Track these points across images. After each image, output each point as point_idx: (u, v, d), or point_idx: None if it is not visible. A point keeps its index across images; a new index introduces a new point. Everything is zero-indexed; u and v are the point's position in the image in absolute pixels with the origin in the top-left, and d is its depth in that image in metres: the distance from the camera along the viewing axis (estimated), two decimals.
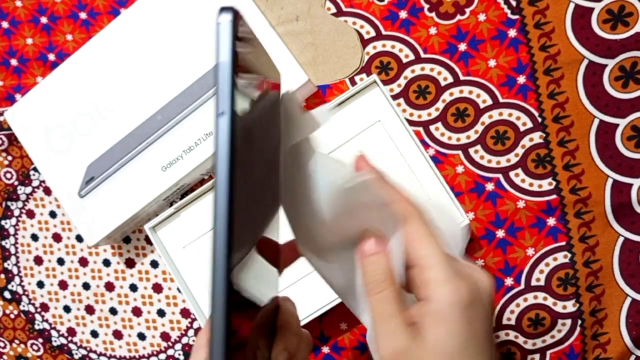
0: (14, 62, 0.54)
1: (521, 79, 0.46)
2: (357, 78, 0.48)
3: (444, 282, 0.23)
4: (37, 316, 0.57)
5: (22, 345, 0.57)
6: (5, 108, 0.54)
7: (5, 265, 0.57)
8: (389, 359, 0.23)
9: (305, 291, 0.46)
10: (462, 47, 0.46)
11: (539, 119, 0.46)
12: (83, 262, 0.55)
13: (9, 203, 0.56)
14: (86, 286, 0.55)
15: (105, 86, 0.48)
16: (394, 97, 0.48)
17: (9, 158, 0.55)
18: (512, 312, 0.47)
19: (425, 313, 0.24)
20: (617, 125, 0.45)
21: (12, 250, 0.56)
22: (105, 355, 0.55)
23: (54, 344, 0.57)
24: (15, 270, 0.57)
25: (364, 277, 0.26)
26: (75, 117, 0.48)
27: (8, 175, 0.56)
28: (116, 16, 0.51)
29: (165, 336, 0.54)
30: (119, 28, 0.48)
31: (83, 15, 0.52)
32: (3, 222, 0.56)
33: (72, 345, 0.56)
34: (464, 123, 0.47)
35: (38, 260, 0.56)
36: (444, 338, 0.23)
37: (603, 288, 0.46)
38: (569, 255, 0.46)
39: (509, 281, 0.47)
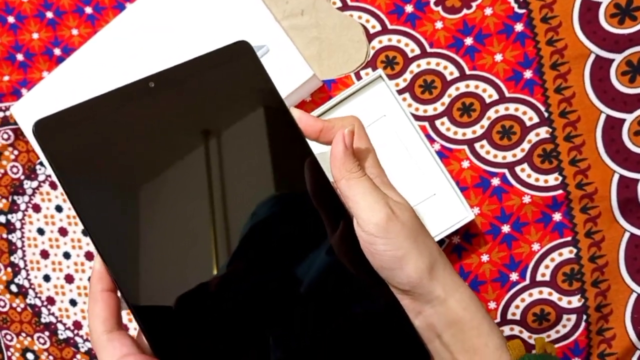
0: (20, 56, 0.54)
1: (528, 74, 0.46)
2: (362, 72, 0.48)
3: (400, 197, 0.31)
4: (44, 309, 0.57)
5: (29, 338, 0.58)
6: (11, 103, 0.54)
7: (12, 259, 0.57)
8: (375, 230, 0.28)
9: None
10: (469, 41, 0.46)
11: (545, 114, 0.46)
12: (89, 255, 0.55)
13: (15, 197, 0.56)
14: None
15: (111, 80, 0.48)
16: (400, 92, 0.48)
17: (16, 152, 0.56)
18: (517, 307, 0.47)
19: (393, 204, 0.29)
20: (624, 120, 0.45)
21: (19, 244, 0.57)
22: None
23: (60, 337, 0.57)
24: (21, 264, 0.57)
25: (345, 164, 0.29)
26: None
27: (14, 170, 0.56)
28: (121, 10, 0.51)
29: None
30: (125, 22, 0.48)
31: (88, 10, 0.52)
32: (9, 217, 0.57)
33: (78, 339, 0.56)
34: (469, 118, 0.47)
35: (44, 254, 0.56)
36: (410, 219, 0.29)
37: (608, 283, 0.46)
38: (575, 250, 0.46)
39: (514, 276, 0.47)
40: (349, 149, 0.29)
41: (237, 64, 0.30)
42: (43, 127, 0.26)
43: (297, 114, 0.31)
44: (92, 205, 0.26)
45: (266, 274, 0.29)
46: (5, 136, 0.55)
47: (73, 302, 0.56)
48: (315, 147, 0.31)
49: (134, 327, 0.55)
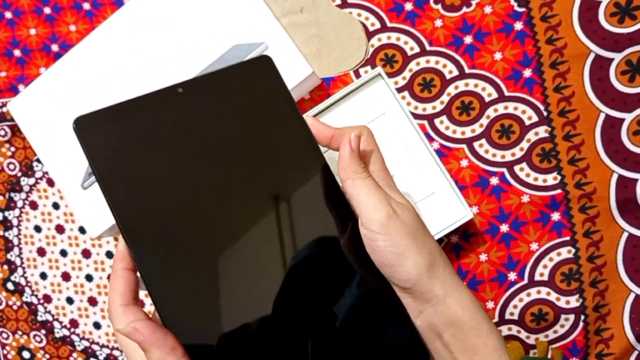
0: (17, 52, 0.54)
1: (527, 73, 0.45)
2: (361, 70, 0.48)
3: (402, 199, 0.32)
4: (40, 307, 0.57)
5: (25, 337, 0.58)
6: (8, 99, 0.54)
7: (8, 256, 0.57)
8: (376, 227, 0.29)
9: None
10: (468, 39, 0.46)
11: (545, 113, 0.46)
12: (86, 253, 0.55)
13: (12, 194, 0.56)
14: (89, 278, 0.55)
15: (108, 77, 0.48)
16: (399, 90, 0.48)
17: (12, 149, 0.55)
18: (515, 306, 0.47)
19: (394, 204, 0.31)
20: (623, 119, 0.44)
21: (15, 241, 0.56)
22: (107, 346, 0.55)
23: (57, 335, 0.57)
24: (18, 262, 0.57)
25: (350, 165, 0.31)
26: (78, 108, 0.48)
27: (11, 167, 0.56)
28: (119, 7, 0.51)
29: None
30: (123, 18, 0.48)
31: (86, 6, 0.52)
32: (6, 214, 0.56)
33: (74, 337, 0.56)
34: (469, 116, 0.47)
35: (41, 252, 0.56)
36: (411, 218, 0.30)
37: (607, 283, 0.46)
38: (573, 250, 0.46)
39: (512, 276, 0.47)
40: (354, 152, 0.31)
41: (259, 76, 0.33)
42: (83, 123, 0.29)
43: (310, 121, 0.33)
44: (123, 198, 0.29)
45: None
46: (2, 133, 0.55)
47: (70, 300, 0.56)
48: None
49: None
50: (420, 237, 0.30)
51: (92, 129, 0.29)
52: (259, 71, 0.33)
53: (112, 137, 0.30)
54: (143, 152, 0.30)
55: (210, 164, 0.31)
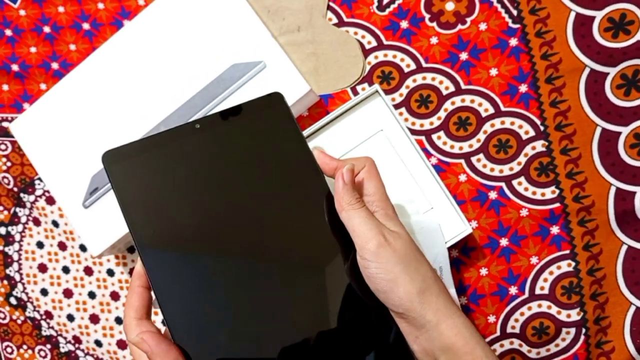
0: (14, 67, 0.54)
1: (523, 88, 0.46)
2: (359, 88, 0.48)
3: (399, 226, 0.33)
4: (44, 323, 0.57)
5: (30, 351, 0.58)
6: (10, 114, 0.55)
7: (7, 271, 0.57)
8: (368, 255, 0.31)
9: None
10: (464, 56, 0.46)
11: (541, 128, 0.46)
12: (88, 271, 0.55)
13: (17, 209, 0.56)
14: (92, 295, 0.55)
15: (110, 97, 0.48)
16: (396, 107, 0.48)
17: (8, 164, 0.56)
18: (516, 320, 0.47)
19: (387, 232, 0.32)
20: (620, 133, 0.45)
21: (15, 257, 0.57)
22: None
23: (62, 350, 0.57)
24: (17, 277, 0.57)
25: (343, 197, 0.32)
26: (80, 128, 0.49)
27: (5, 181, 0.56)
28: (119, 27, 0.51)
29: None
30: (123, 39, 0.48)
31: (86, 26, 0.52)
32: (10, 228, 0.57)
33: (79, 352, 0.56)
34: (466, 132, 0.47)
35: (42, 268, 0.56)
36: (403, 246, 0.31)
37: (607, 296, 0.46)
38: (573, 263, 0.46)
39: (513, 290, 0.47)
40: (347, 185, 0.33)
41: (271, 111, 0.36)
42: (110, 157, 0.33)
43: (316, 153, 0.35)
44: (143, 225, 0.32)
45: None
46: (3, 147, 0.55)
47: (70, 318, 0.56)
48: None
49: None
50: (413, 265, 0.31)
51: (117, 162, 0.33)
52: (270, 106, 0.36)
53: (135, 170, 0.33)
54: (162, 183, 0.33)
55: (225, 194, 0.34)
